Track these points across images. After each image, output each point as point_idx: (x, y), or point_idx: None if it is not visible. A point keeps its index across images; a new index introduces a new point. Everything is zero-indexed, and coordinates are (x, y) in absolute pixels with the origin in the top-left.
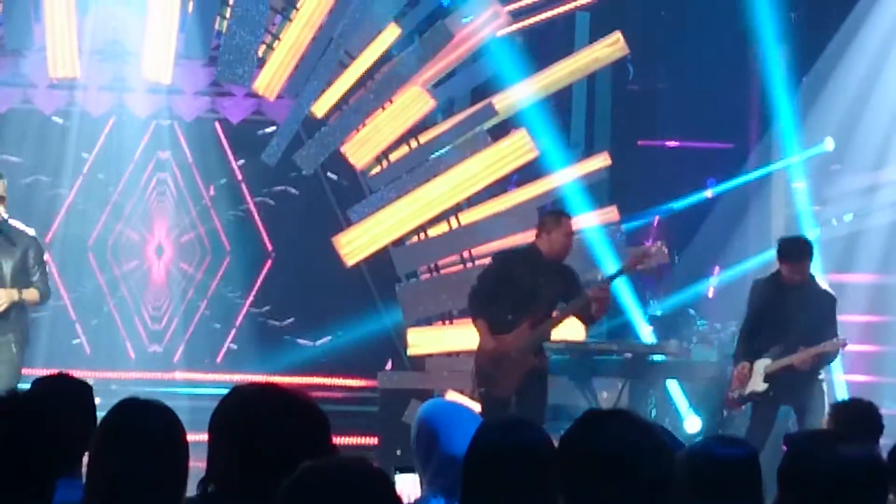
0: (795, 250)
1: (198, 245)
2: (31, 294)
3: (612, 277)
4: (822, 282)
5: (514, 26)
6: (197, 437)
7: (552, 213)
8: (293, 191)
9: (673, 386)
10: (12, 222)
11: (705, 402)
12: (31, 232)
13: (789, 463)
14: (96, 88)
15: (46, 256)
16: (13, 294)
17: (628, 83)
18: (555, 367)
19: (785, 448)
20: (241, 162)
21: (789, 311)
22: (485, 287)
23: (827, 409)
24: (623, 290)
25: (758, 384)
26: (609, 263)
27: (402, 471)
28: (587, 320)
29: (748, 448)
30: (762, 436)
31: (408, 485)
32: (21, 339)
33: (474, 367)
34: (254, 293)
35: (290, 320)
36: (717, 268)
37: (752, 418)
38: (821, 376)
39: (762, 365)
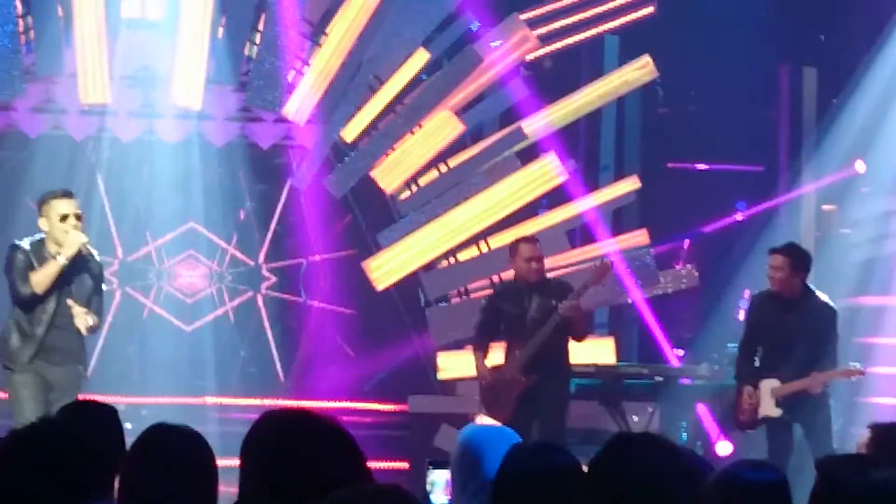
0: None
1: (230, 269)
2: (94, 319)
3: (578, 293)
4: (822, 295)
5: (543, 50)
6: (228, 463)
7: (514, 241)
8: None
9: (703, 409)
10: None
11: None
12: (98, 257)
13: (821, 487)
14: (126, 114)
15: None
16: (89, 319)
17: (658, 106)
18: (584, 391)
19: (816, 472)
20: (271, 186)
21: (790, 328)
22: (481, 320)
23: (865, 430)
24: (653, 313)
25: (770, 409)
26: (637, 288)
27: (436, 466)
28: (575, 338)
29: (778, 472)
30: (783, 459)
31: (441, 480)
32: (85, 370)
33: (480, 396)
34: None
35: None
36: (746, 291)
37: (771, 442)
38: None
39: (769, 387)
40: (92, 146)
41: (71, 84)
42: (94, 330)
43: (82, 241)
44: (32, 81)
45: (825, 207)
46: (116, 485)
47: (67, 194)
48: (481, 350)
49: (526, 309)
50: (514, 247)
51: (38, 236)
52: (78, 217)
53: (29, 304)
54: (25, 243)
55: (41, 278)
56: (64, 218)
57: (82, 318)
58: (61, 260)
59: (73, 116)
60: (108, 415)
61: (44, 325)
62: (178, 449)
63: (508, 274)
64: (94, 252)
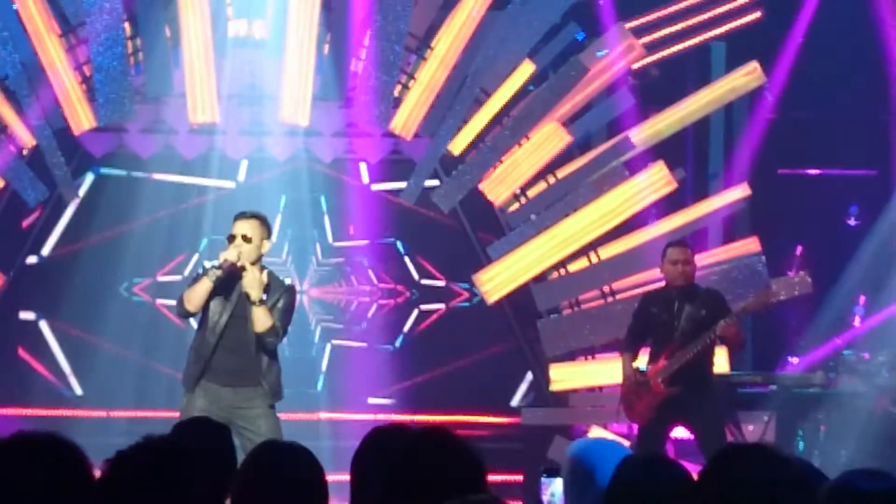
0: None
1: (341, 283)
2: (267, 316)
3: (738, 315)
4: None
5: (650, 58)
6: (341, 478)
7: (665, 245)
8: (432, 229)
9: (821, 418)
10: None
11: (853, 433)
12: (287, 281)
13: None
14: (235, 132)
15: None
16: (259, 285)
17: (767, 112)
18: None
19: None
20: (381, 200)
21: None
22: (632, 325)
23: None
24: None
25: None
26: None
27: (550, 474)
28: (731, 349)
29: (894, 480)
30: None
31: (555, 488)
32: (275, 388)
33: (620, 396)
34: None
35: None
36: (861, 297)
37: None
38: None
39: None
40: (202, 165)
41: (180, 104)
42: (272, 334)
43: (228, 258)
44: (142, 103)
45: None
46: (228, 502)
47: (238, 216)
48: (629, 353)
49: (675, 316)
50: (663, 250)
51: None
52: (245, 238)
53: (195, 321)
54: (208, 264)
55: (191, 294)
56: (231, 238)
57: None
58: (210, 276)
59: (183, 136)
60: (221, 432)
61: (212, 347)
62: (288, 466)
63: (619, 283)
64: (284, 278)
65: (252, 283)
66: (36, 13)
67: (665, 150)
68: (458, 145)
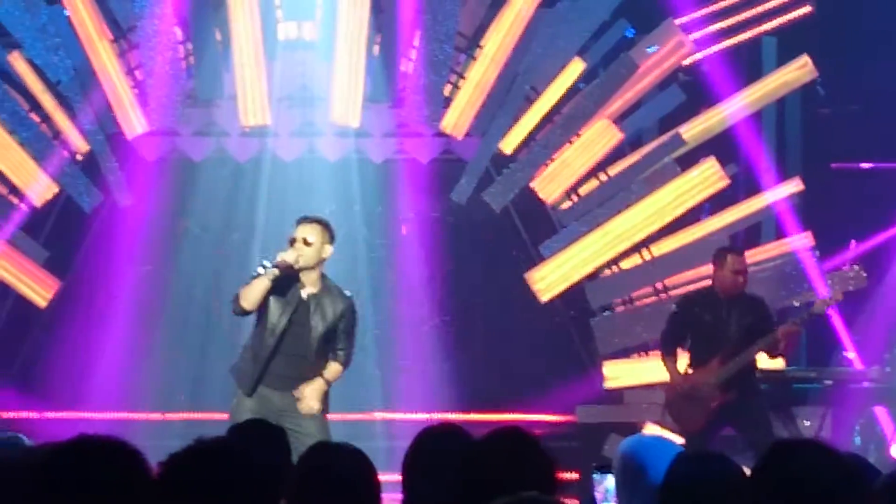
0: None
1: (395, 285)
2: (334, 372)
3: (805, 319)
4: None
5: (700, 54)
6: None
7: (720, 251)
8: (486, 228)
9: (881, 412)
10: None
11: None
12: (347, 293)
13: None
14: (287, 134)
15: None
16: (322, 386)
17: (819, 106)
18: None
19: None
20: (433, 201)
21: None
22: (671, 329)
23: None
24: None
25: None
26: (805, 291)
27: (602, 470)
28: (775, 356)
29: None
30: None
31: (608, 484)
32: (325, 405)
33: (665, 401)
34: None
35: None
36: None
37: None
38: None
39: None
40: (253, 167)
41: (231, 107)
42: (339, 377)
43: (286, 258)
44: (194, 106)
45: None
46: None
47: (300, 219)
48: (672, 356)
49: (724, 320)
50: (720, 257)
51: None
52: (306, 242)
53: (251, 319)
54: (266, 262)
55: (247, 292)
56: (292, 242)
57: (305, 405)
58: (267, 275)
59: (235, 139)
60: (276, 434)
61: (270, 349)
62: (341, 467)
63: (672, 280)
64: (343, 290)
65: (311, 399)
66: (87, 19)
67: (717, 145)
68: (509, 144)
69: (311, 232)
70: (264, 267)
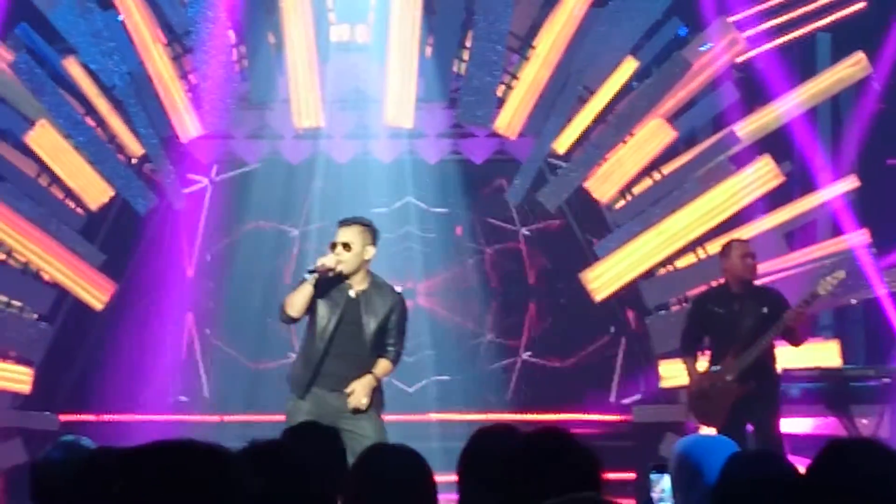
0: None
1: (450, 286)
2: (384, 369)
3: (807, 302)
4: None
5: (754, 51)
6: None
7: (726, 243)
8: (541, 227)
9: None
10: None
11: None
12: (398, 289)
13: None
14: (340, 136)
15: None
16: (371, 382)
17: (874, 102)
18: (810, 396)
19: None
20: (489, 202)
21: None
22: (688, 328)
23: None
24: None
25: None
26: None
27: (658, 470)
28: (795, 342)
29: None
30: None
31: (665, 484)
32: (378, 396)
33: (687, 401)
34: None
35: (556, 354)
36: None
37: None
38: None
39: None
40: (307, 169)
41: (285, 109)
42: (391, 372)
43: (325, 263)
44: (247, 109)
45: None
46: None
47: (341, 223)
48: (691, 356)
49: (737, 313)
50: (725, 247)
51: None
52: (346, 247)
53: (301, 326)
54: (310, 268)
55: (292, 300)
56: (332, 246)
57: (354, 399)
58: (309, 281)
59: (289, 141)
60: (331, 436)
61: (321, 353)
62: (398, 468)
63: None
64: (394, 285)
65: (360, 394)
66: (142, 23)
67: (771, 143)
68: (562, 144)
69: (350, 235)
70: (310, 272)
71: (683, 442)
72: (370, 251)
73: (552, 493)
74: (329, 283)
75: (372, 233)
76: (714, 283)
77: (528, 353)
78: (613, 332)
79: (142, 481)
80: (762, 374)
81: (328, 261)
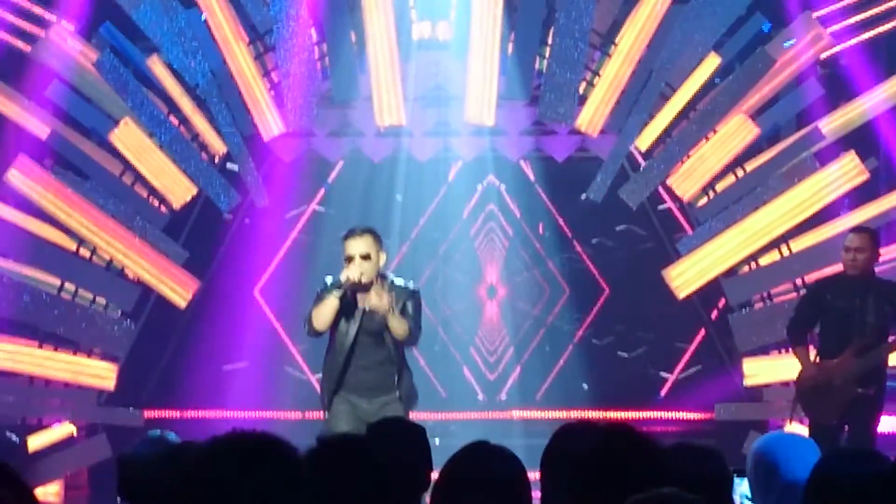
0: None
1: (533, 284)
2: (401, 323)
3: None
4: None
5: (838, 47)
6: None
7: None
8: (622, 227)
9: None
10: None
11: None
12: (411, 286)
13: None
14: (422, 134)
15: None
16: (387, 300)
17: None
18: None
19: None
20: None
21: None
22: (801, 316)
23: None
24: None
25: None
26: None
27: (738, 474)
28: None
29: None
30: None
31: (744, 489)
32: (409, 394)
33: (795, 392)
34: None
35: (638, 351)
36: None
37: None
38: None
39: None
40: (389, 167)
41: (366, 107)
42: (410, 339)
43: (351, 277)
44: (329, 107)
45: None
46: (426, 501)
47: (349, 234)
48: (803, 345)
49: (858, 307)
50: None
51: None
52: (365, 257)
53: (321, 338)
54: (329, 279)
55: (318, 313)
56: (349, 259)
57: (374, 297)
58: (335, 294)
59: (370, 139)
60: (416, 433)
61: (341, 366)
62: (493, 468)
63: (811, 276)
64: (406, 283)
65: (377, 303)
66: (224, 22)
67: (856, 139)
68: (644, 141)
69: (365, 246)
70: (336, 287)
71: (762, 439)
72: (383, 257)
73: (631, 492)
74: (344, 295)
75: (380, 238)
76: (806, 281)
77: (612, 349)
78: (695, 329)
79: (211, 474)
80: (878, 379)
81: (352, 273)
